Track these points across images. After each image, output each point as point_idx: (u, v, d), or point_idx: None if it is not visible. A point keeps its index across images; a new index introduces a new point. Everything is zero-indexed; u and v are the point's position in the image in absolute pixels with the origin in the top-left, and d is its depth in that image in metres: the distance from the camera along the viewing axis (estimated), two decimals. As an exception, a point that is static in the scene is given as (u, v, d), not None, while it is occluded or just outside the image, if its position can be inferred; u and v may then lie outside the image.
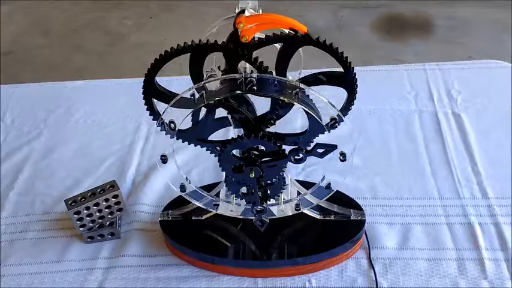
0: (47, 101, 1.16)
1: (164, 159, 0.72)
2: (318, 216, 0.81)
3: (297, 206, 0.78)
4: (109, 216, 0.86)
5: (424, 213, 0.87)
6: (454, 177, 0.92)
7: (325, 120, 0.67)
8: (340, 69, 0.68)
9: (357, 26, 2.24)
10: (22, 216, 0.91)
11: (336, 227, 0.81)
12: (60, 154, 1.03)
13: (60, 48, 2.20)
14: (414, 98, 1.09)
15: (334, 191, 0.75)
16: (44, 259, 0.84)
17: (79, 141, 1.06)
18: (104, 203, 0.85)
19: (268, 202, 0.76)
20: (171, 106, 0.66)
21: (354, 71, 0.68)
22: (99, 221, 0.86)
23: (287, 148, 0.70)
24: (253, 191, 0.73)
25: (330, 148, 0.68)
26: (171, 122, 0.67)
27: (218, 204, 0.80)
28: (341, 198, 0.83)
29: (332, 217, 0.81)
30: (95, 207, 0.84)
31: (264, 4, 0.69)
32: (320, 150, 0.68)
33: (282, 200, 0.78)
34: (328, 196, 0.76)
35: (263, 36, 0.64)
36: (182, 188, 0.76)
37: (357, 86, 0.69)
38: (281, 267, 0.80)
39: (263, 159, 0.70)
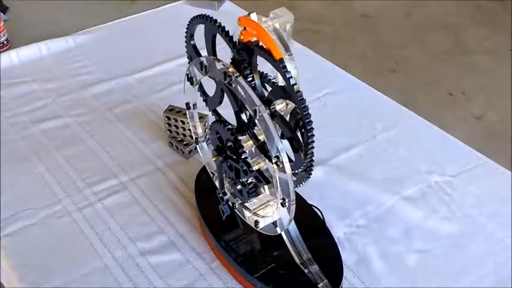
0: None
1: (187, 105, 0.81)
2: (297, 260, 0.79)
3: (256, 222, 0.77)
4: (189, 138, 1.01)
5: None
6: None
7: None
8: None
9: None
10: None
11: (301, 280, 0.77)
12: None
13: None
14: None
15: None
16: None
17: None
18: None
19: (247, 202, 0.78)
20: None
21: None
22: (181, 135, 1.02)
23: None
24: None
25: (258, 182, 0.67)
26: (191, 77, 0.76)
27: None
28: (334, 262, 0.78)
29: (306, 271, 0.78)
30: (181, 123, 1.00)
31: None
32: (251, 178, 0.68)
33: (253, 210, 0.78)
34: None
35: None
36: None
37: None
38: (235, 268, 0.81)
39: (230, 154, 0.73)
